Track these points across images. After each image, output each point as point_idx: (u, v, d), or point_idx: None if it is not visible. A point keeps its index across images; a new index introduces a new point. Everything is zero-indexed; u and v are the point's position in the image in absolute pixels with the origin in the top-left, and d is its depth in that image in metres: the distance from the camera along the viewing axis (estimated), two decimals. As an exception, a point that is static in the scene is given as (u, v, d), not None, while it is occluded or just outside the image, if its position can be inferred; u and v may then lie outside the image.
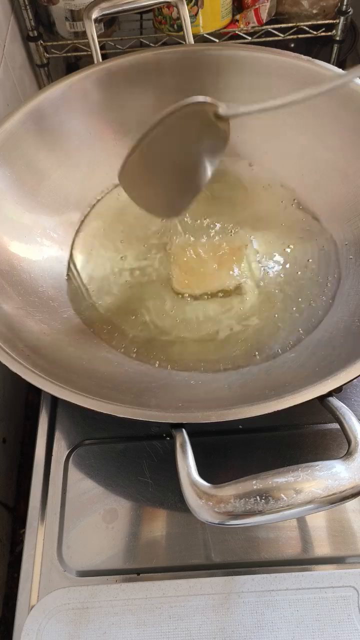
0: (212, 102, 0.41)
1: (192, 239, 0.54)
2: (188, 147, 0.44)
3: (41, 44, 0.74)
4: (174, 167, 0.45)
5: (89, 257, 0.54)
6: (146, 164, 0.44)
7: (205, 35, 0.73)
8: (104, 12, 0.56)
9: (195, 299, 0.50)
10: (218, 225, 0.55)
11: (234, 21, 0.75)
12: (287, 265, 0.51)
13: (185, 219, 0.56)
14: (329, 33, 0.75)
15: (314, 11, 0.75)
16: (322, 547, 0.40)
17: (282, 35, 0.75)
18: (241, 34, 0.74)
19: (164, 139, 0.43)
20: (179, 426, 0.33)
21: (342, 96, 0.51)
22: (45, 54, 0.75)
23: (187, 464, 0.31)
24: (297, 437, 0.46)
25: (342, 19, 0.73)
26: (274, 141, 0.57)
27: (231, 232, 0.54)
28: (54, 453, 0.46)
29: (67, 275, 0.52)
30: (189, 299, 0.50)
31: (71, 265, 0.53)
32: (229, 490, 0.28)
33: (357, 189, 0.51)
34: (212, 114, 0.42)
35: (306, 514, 0.38)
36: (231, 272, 0.51)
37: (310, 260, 0.52)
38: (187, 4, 0.62)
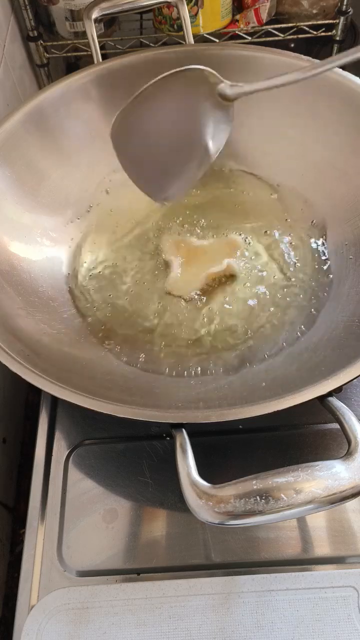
0: (215, 74, 0.39)
1: (187, 236, 0.54)
2: (188, 120, 0.41)
3: (41, 44, 0.74)
4: (171, 140, 0.42)
5: (89, 257, 0.54)
6: (141, 127, 0.41)
7: (205, 35, 0.73)
8: (104, 12, 0.56)
9: (194, 299, 0.50)
10: (213, 224, 0.55)
11: (234, 21, 0.75)
12: (286, 265, 0.51)
13: (180, 219, 0.56)
14: (329, 33, 0.75)
15: (314, 11, 0.75)
16: (322, 547, 0.40)
17: (282, 35, 0.75)
18: (241, 34, 0.74)
19: (162, 103, 0.40)
20: (179, 426, 0.33)
21: (343, 96, 0.51)
22: (45, 54, 0.75)
23: (187, 464, 0.31)
24: (297, 437, 0.46)
25: (342, 19, 0.73)
26: (274, 141, 0.57)
27: (225, 233, 0.54)
28: (54, 453, 0.46)
29: (67, 275, 0.52)
30: (186, 298, 0.50)
31: (71, 266, 0.53)
32: (229, 490, 0.28)
33: (357, 189, 0.51)
34: (216, 91, 0.40)
35: (306, 514, 0.38)
36: (226, 267, 0.51)
37: (310, 259, 0.52)
38: (187, 4, 0.62)
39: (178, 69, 0.39)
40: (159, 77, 0.39)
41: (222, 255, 0.52)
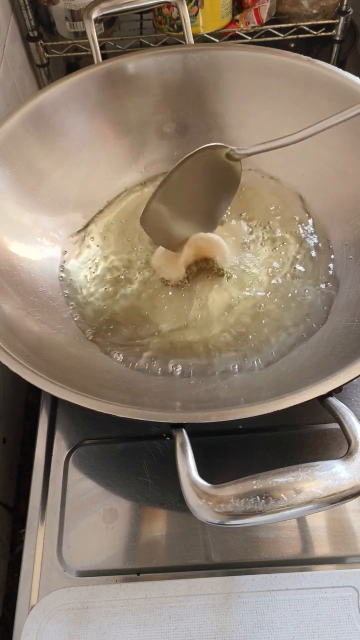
0: (223, 145, 0.47)
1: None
2: (203, 188, 0.49)
3: (41, 44, 0.74)
4: (191, 208, 0.49)
5: (89, 258, 0.54)
6: (165, 208, 0.47)
7: (205, 35, 0.73)
8: (104, 12, 0.56)
9: (194, 297, 0.50)
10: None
11: (234, 21, 0.75)
12: (285, 265, 0.51)
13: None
14: (329, 33, 0.75)
15: (314, 11, 0.75)
16: (322, 547, 0.40)
17: (282, 35, 0.75)
18: (241, 34, 0.74)
19: (181, 184, 0.46)
20: (179, 426, 0.33)
21: (343, 97, 0.51)
22: (45, 54, 0.75)
23: (187, 464, 0.31)
24: (297, 437, 0.46)
25: (342, 19, 0.73)
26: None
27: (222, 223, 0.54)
28: (54, 453, 0.46)
29: (67, 275, 0.52)
30: (186, 293, 0.50)
31: (71, 266, 0.53)
32: (229, 490, 0.28)
33: (356, 189, 0.51)
34: (224, 155, 0.47)
35: (306, 514, 0.38)
36: (214, 241, 0.51)
37: (310, 259, 0.52)
38: (187, 4, 0.62)
39: (192, 153, 0.46)
40: (176, 165, 0.46)
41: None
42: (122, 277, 0.52)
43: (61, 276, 0.52)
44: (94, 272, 0.53)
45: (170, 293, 0.50)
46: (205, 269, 0.52)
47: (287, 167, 0.57)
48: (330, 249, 0.52)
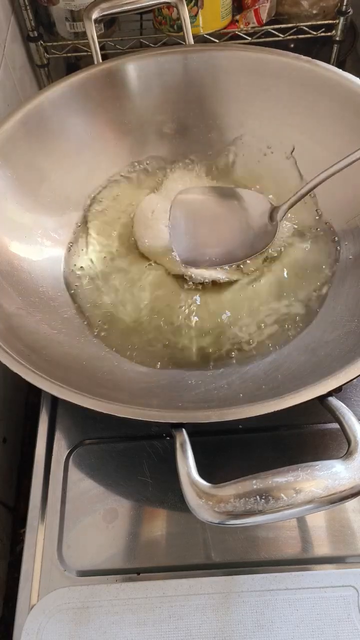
0: (272, 203, 0.51)
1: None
2: (240, 223, 0.52)
3: (41, 44, 0.74)
4: (220, 230, 0.52)
5: (89, 258, 0.54)
6: (200, 208, 0.51)
7: (205, 35, 0.73)
8: (104, 13, 0.56)
9: (196, 292, 0.50)
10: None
11: (233, 21, 0.75)
12: (284, 265, 0.51)
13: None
14: (329, 33, 0.75)
15: (314, 11, 0.75)
16: (322, 547, 0.41)
17: (282, 35, 0.75)
18: (241, 34, 0.74)
19: (224, 201, 0.51)
20: (179, 426, 0.33)
21: (343, 97, 0.51)
22: (45, 54, 0.75)
23: (187, 464, 0.31)
24: (297, 437, 0.46)
25: (342, 19, 0.73)
26: (274, 141, 0.57)
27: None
28: (54, 453, 0.46)
29: (67, 275, 0.52)
30: (187, 293, 0.50)
31: (71, 266, 0.53)
32: (229, 490, 0.28)
33: (356, 189, 0.51)
34: (268, 212, 0.50)
35: (306, 514, 0.38)
36: None
37: (309, 259, 0.52)
38: (187, 5, 0.62)
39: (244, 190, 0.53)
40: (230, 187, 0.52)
41: None
42: (123, 277, 0.52)
43: (62, 276, 0.52)
44: (95, 272, 0.53)
45: (170, 293, 0.50)
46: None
47: (286, 167, 0.57)
48: (329, 249, 0.52)
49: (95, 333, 0.48)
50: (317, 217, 0.54)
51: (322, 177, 0.47)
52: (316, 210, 0.54)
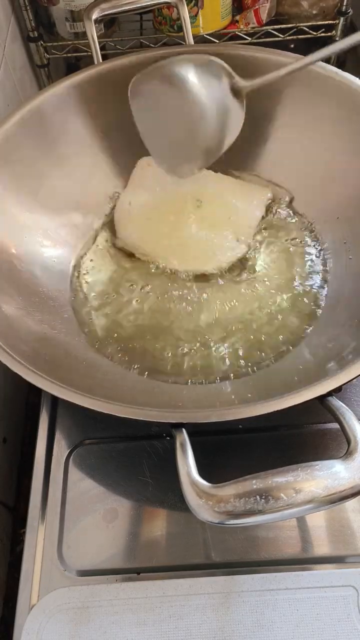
0: (231, 71, 0.45)
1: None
2: (206, 104, 0.46)
3: (41, 44, 0.74)
4: (187, 119, 0.46)
5: (89, 258, 0.54)
6: (160, 95, 0.45)
7: (205, 35, 0.73)
8: (104, 13, 0.56)
9: (195, 300, 0.50)
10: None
11: (233, 22, 0.75)
12: (284, 265, 0.51)
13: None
14: (329, 34, 0.75)
15: (314, 12, 0.75)
16: (321, 547, 0.41)
17: (282, 35, 0.75)
18: (241, 34, 0.74)
19: (182, 81, 0.44)
20: (179, 426, 0.33)
21: (343, 97, 0.51)
22: (45, 54, 0.75)
23: (187, 464, 0.31)
24: (297, 437, 0.46)
25: (341, 19, 0.73)
26: (272, 141, 0.57)
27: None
28: (54, 453, 0.46)
29: (67, 275, 0.52)
30: (187, 294, 0.50)
31: (71, 266, 0.53)
32: (229, 490, 0.28)
33: (356, 190, 0.51)
34: (229, 84, 0.45)
35: (306, 514, 0.38)
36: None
37: (309, 260, 0.52)
38: (187, 5, 0.62)
39: (201, 56, 0.44)
40: (181, 56, 0.44)
41: None
42: (122, 278, 0.52)
43: (62, 276, 0.52)
44: (94, 272, 0.53)
45: (171, 294, 0.50)
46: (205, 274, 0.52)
47: (286, 167, 0.57)
48: (329, 249, 0.52)
49: (95, 333, 0.48)
50: (315, 219, 0.54)
51: (291, 67, 0.44)
52: (316, 209, 0.54)
